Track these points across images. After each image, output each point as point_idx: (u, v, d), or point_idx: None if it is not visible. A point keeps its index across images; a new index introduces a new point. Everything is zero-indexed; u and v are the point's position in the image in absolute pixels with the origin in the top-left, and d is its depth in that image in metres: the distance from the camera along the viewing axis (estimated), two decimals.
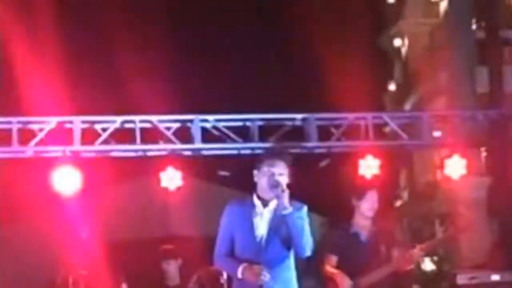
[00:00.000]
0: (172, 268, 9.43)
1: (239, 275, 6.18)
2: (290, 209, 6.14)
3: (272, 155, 6.47)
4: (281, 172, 6.26)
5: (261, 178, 6.31)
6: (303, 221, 6.24)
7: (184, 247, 9.07)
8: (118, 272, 9.27)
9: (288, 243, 6.25)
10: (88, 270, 9.15)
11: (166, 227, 9.87)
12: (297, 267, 6.46)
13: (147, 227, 10.51)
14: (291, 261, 6.36)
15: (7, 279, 9.69)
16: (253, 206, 6.31)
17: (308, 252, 6.26)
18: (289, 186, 6.26)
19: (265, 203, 6.29)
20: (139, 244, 10.31)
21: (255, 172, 6.37)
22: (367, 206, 8.11)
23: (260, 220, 6.28)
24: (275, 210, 6.24)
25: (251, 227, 6.25)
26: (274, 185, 6.17)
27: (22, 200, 9.83)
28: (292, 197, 6.31)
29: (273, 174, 6.24)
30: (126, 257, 9.81)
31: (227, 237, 6.34)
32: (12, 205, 9.90)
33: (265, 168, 6.28)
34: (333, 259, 8.12)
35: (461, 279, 10.57)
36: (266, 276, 6.06)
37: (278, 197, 6.15)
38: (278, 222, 6.23)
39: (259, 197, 6.33)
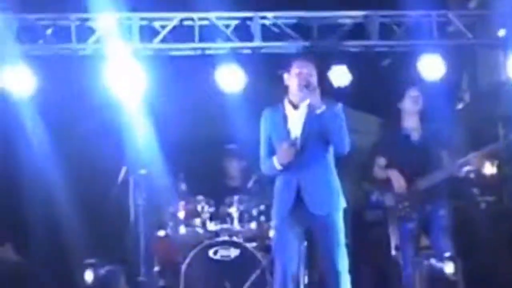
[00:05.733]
0: (234, 167, 9.46)
1: (277, 165, 6.37)
2: (323, 107, 6.26)
3: (301, 56, 6.75)
4: (311, 73, 6.42)
5: (291, 80, 6.47)
6: (338, 118, 6.34)
7: (245, 150, 9.05)
8: (177, 171, 9.32)
9: (325, 141, 6.36)
10: (148, 169, 9.20)
11: (225, 129, 9.82)
12: (337, 166, 6.55)
13: (206, 127, 10.50)
14: (330, 161, 6.46)
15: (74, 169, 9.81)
16: (284, 109, 6.49)
17: (347, 148, 6.41)
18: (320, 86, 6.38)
19: (296, 107, 6.44)
20: (198, 143, 10.33)
21: (285, 75, 6.53)
22: (407, 105, 8.05)
23: (293, 122, 6.44)
24: (308, 111, 6.38)
25: (284, 130, 6.44)
26: (305, 84, 6.31)
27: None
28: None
29: (302, 74, 6.39)
30: (185, 157, 9.84)
31: (266, 142, 6.59)
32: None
33: (295, 70, 6.45)
34: (382, 160, 8.05)
35: None
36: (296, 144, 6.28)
37: (309, 96, 6.27)
38: (312, 122, 6.37)
39: (290, 101, 6.45)
